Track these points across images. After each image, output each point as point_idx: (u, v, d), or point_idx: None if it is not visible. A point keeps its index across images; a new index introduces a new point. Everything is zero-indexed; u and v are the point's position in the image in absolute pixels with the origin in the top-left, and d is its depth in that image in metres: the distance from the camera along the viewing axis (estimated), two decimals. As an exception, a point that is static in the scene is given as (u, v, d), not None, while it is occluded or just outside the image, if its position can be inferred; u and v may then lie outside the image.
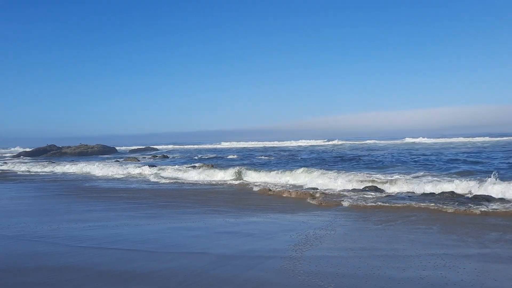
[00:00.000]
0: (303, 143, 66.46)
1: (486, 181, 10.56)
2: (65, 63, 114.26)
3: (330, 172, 14.72)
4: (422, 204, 9.02)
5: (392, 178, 13.01)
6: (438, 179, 12.12)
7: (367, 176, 13.54)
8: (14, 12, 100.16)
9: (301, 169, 15.51)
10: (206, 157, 33.49)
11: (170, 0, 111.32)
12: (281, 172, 15.78)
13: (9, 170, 25.10)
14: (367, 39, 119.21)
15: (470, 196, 9.88)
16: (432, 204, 8.90)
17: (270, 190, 12.16)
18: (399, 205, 9.12)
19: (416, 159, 21.77)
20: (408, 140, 59.13)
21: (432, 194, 10.28)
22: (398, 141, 57.47)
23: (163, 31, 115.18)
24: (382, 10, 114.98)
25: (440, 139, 57.11)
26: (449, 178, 12.15)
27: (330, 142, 62.29)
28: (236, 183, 14.92)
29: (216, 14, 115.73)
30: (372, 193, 10.90)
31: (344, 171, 14.96)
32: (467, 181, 11.15)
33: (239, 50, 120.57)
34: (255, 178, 15.96)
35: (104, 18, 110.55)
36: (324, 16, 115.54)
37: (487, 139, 52.92)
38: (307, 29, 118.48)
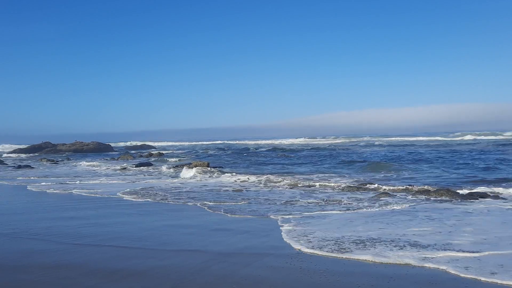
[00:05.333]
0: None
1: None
2: (61, 62, 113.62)
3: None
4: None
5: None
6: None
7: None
8: (12, 13, 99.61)
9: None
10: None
11: (160, 4, 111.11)
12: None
13: None
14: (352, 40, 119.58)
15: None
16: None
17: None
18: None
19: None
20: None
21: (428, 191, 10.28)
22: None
23: (159, 31, 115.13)
24: (373, 11, 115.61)
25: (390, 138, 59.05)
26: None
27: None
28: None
29: (212, 15, 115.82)
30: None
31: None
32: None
33: (233, 50, 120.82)
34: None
35: (100, 19, 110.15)
36: (314, 18, 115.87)
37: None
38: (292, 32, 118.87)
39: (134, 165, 22.05)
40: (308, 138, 69.09)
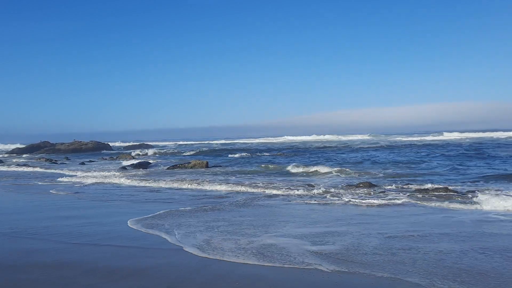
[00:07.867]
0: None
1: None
2: (61, 62, 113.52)
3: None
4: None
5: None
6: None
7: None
8: (12, 12, 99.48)
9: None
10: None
11: (160, 4, 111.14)
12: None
13: None
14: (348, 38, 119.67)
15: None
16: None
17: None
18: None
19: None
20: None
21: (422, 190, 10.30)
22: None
23: (158, 31, 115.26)
24: (365, 11, 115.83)
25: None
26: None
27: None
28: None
29: (212, 14, 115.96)
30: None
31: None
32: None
33: (231, 50, 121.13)
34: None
35: (100, 19, 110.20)
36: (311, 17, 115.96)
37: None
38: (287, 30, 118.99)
39: (132, 166, 21.98)
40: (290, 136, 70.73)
